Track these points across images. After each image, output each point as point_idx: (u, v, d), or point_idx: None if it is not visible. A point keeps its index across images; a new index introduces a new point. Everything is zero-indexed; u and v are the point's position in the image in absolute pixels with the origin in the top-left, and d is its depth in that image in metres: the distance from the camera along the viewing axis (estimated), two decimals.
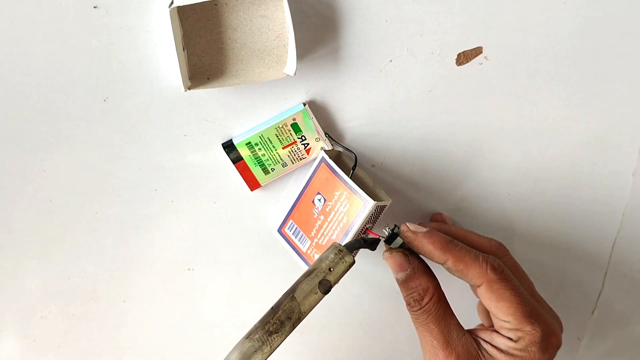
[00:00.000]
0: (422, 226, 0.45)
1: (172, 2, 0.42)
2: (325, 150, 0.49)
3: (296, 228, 0.50)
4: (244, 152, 0.49)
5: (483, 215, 0.55)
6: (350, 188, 0.46)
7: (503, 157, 0.53)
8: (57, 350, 0.56)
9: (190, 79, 0.46)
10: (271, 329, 0.39)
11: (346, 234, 0.47)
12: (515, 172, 0.54)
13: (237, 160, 0.49)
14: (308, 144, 0.49)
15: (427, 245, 0.44)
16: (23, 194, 0.50)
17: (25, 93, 0.46)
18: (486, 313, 0.50)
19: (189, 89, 0.44)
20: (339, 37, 0.47)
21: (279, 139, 0.49)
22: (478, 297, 0.45)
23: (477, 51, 0.48)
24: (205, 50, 0.46)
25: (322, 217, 0.48)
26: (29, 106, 0.46)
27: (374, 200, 0.45)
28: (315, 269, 0.41)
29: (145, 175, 0.50)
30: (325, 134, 0.49)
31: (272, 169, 0.50)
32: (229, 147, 0.49)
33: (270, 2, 0.44)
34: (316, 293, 0.40)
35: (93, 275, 0.53)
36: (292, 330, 0.39)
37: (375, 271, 0.56)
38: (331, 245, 0.42)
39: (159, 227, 0.52)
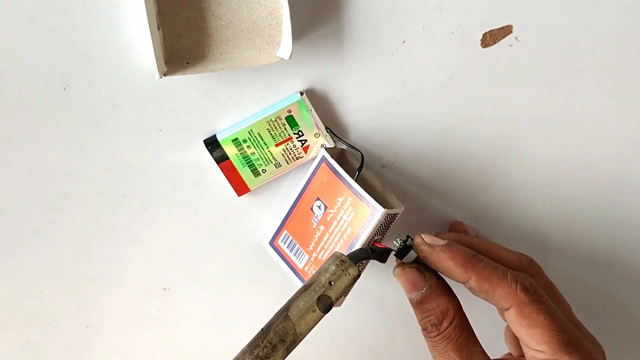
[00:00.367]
0: (439, 238, 0.45)
1: None
2: (326, 148, 0.49)
3: (292, 240, 0.50)
4: (230, 151, 0.49)
5: (512, 225, 0.55)
6: (356, 193, 0.46)
7: (536, 157, 0.53)
8: None
9: (166, 63, 0.46)
10: (261, 353, 0.39)
11: (351, 248, 0.47)
12: (550, 175, 0.54)
13: (221, 159, 0.49)
14: (306, 140, 0.49)
15: (446, 261, 0.44)
16: None
17: None
18: (515, 341, 0.51)
19: (165, 75, 0.44)
20: (342, 13, 0.47)
21: (271, 134, 0.49)
22: (506, 321, 0.45)
23: (506, 30, 0.48)
24: (185, 30, 0.46)
25: (322, 228, 0.48)
26: None
27: (384, 208, 0.46)
28: (313, 282, 0.41)
29: (112, 178, 0.50)
30: (326, 128, 0.49)
31: (264, 170, 0.50)
32: (212, 144, 0.49)
33: None
34: (314, 311, 0.40)
35: (50, 297, 0.53)
36: (287, 355, 0.39)
37: (384, 290, 0.56)
38: (332, 255, 0.42)
39: (129, 238, 0.52)
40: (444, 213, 0.54)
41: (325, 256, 0.48)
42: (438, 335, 0.44)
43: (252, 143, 0.49)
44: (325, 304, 0.40)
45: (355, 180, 0.47)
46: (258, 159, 0.49)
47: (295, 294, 0.41)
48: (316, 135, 0.49)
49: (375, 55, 0.48)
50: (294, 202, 0.50)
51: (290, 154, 0.49)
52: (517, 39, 0.49)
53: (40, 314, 0.54)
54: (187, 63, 0.46)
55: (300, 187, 0.49)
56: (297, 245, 0.50)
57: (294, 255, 0.50)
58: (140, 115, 0.48)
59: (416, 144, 0.51)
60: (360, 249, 0.45)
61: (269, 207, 0.52)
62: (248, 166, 0.49)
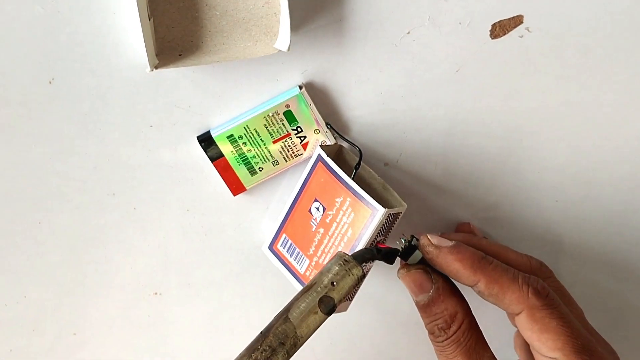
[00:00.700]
0: (446, 238, 0.45)
1: None
2: (322, 146, 0.49)
3: (291, 244, 0.50)
4: (225, 148, 0.49)
5: (522, 226, 0.55)
6: (354, 193, 0.47)
7: (548, 154, 0.53)
8: None
9: (157, 55, 0.46)
10: (260, 357, 0.39)
11: (352, 250, 0.47)
12: (563, 173, 0.54)
13: (216, 157, 0.49)
14: (305, 137, 0.49)
15: (453, 263, 0.44)
16: None
17: None
18: (526, 347, 0.50)
19: (156, 67, 0.44)
20: (344, 2, 0.47)
21: (268, 130, 0.49)
22: (516, 326, 0.45)
23: (517, 21, 0.48)
24: (177, 20, 0.46)
25: (321, 230, 0.48)
26: None
27: (384, 208, 0.46)
28: (315, 283, 0.41)
29: (101, 176, 0.50)
30: (326, 124, 0.49)
31: (260, 169, 0.50)
32: (206, 141, 0.49)
33: None
34: (316, 313, 0.40)
35: (36, 302, 0.53)
36: (287, 359, 0.39)
37: (388, 294, 0.56)
38: (335, 255, 0.42)
39: (119, 240, 0.52)
40: (450, 214, 0.54)
41: (326, 260, 0.48)
42: (446, 339, 0.44)
43: (248, 140, 0.49)
44: (328, 306, 0.40)
45: (353, 179, 0.47)
46: (254, 157, 0.49)
47: (296, 295, 0.41)
48: (316, 131, 0.49)
49: (379, 46, 0.48)
50: (291, 203, 0.50)
51: (288, 151, 0.49)
52: (528, 30, 0.49)
53: (25, 320, 0.54)
54: (180, 55, 0.46)
55: (297, 188, 0.49)
56: (297, 250, 0.50)
57: (295, 260, 0.50)
58: (130, 110, 0.48)
59: (421, 141, 0.51)
60: (365, 248, 0.45)
61: (266, 207, 0.52)
62: (244, 164, 0.49)
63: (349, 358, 0.58)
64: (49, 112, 0.48)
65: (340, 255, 0.42)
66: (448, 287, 0.45)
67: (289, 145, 0.49)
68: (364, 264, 0.43)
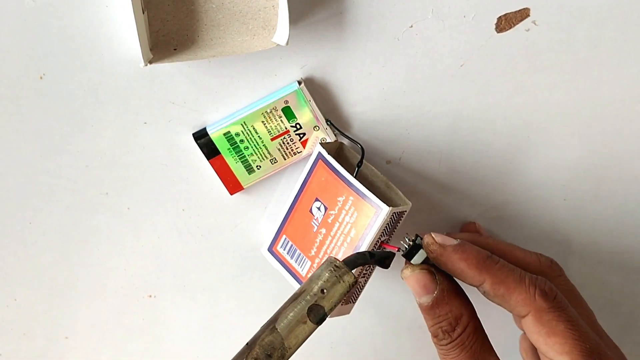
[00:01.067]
0: (451, 237, 0.45)
1: None
2: (322, 143, 0.49)
3: (292, 246, 0.50)
4: (222, 145, 0.49)
5: (530, 226, 0.55)
6: (357, 191, 0.46)
7: (556, 151, 0.53)
8: None
9: (151, 49, 0.45)
10: None
11: (356, 251, 0.46)
12: (572, 171, 0.54)
13: (212, 155, 0.49)
14: (304, 134, 0.49)
15: (458, 263, 0.44)
16: None
17: None
18: (532, 350, 0.50)
19: (150, 62, 0.44)
20: None
21: (266, 127, 0.49)
22: (522, 329, 0.45)
23: (524, 14, 0.48)
24: (172, 13, 0.45)
25: (323, 231, 0.48)
26: None
27: (389, 206, 0.45)
28: (304, 291, 0.40)
29: (93, 175, 0.50)
30: (326, 120, 0.49)
31: (258, 167, 0.50)
32: (202, 138, 0.49)
33: None
34: (305, 323, 0.40)
35: (26, 305, 0.53)
36: None
37: (390, 297, 0.56)
38: (325, 261, 0.41)
39: (112, 241, 0.52)
40: (455, 213, 0.55)
41: None
42: (450, 342, 0.44)
43: (246, 137, 0.49)
44: (318, 315, 0.40)
45: (355, 177, 0.47)
46: (252, 154, 0.49)
47: (284, 304, 0.41)
48: (315, 128, 0.49)
49: (380, 41, 0.48)
50: (291, 203, 0.50)
51: (287, 149, 0.49)
52: (535, 23, 0.49)
53: (15, 324, 0.54)
54: (175, 49, 0.46)
55: (297, 187, 0.49)
56: (298, 251, 0.49)
57: (296, 262, 0.50)
58: (123, 106, 0.48)
59: (425, 138, 0.51)
60: (357, 253, 0.43)
61: (264, 207, 0.52)
62: (241, 162, 0.49)
63: None
64: (40, 109, 0.47)
65: (330, 261, 0.41)
66: (453, 288, 0.45)
67: (288, 143, 0.49)
68: (358, 268, 0.43)
